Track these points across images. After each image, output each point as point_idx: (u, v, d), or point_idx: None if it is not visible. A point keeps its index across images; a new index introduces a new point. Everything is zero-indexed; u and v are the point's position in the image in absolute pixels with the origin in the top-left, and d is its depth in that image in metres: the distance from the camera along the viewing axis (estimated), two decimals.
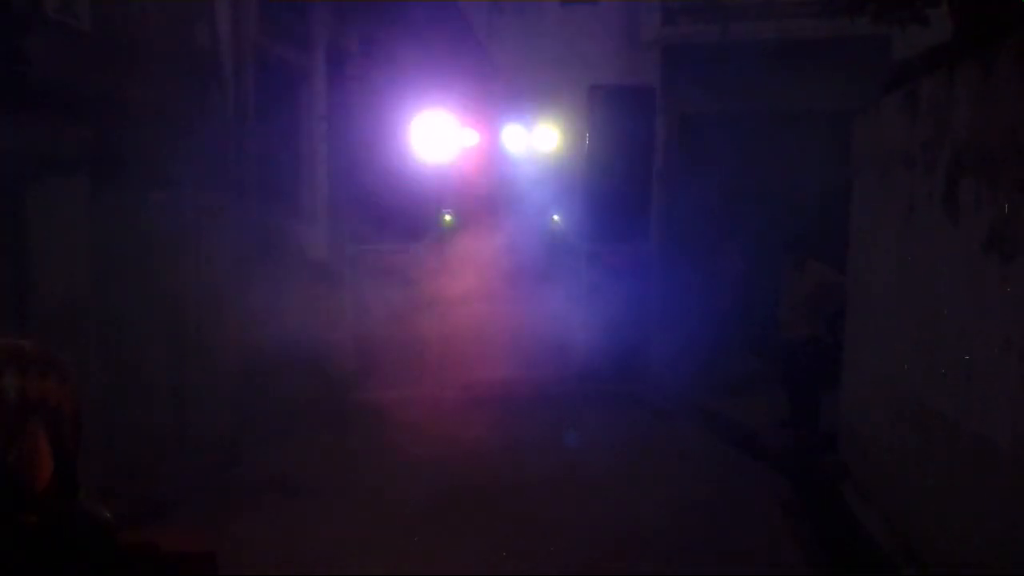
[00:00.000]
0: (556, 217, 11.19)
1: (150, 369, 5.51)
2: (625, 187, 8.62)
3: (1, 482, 1.58)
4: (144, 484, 5.17)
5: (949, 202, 3.78)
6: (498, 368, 8.16)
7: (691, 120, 11.71)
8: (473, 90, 9.79)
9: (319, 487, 5.84)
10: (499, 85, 11.08)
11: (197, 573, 2.20)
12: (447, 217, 10.17)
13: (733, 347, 9.02)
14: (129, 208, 5.20)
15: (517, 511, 5.38)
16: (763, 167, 10.43)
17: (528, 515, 5.29)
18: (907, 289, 4.38)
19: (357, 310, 8.18)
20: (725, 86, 11.10)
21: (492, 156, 9.21)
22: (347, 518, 5.26)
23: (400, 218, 8.88)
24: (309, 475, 6.05)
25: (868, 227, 5.28)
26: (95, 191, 4.80)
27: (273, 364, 7.02)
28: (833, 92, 10.39)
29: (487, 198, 10.09)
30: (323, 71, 8.54)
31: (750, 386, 8.24)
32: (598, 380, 8.48)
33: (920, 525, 4.09)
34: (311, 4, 8.19)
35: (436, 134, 8.96)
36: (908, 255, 4.37)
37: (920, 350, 4.13)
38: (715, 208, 10.00)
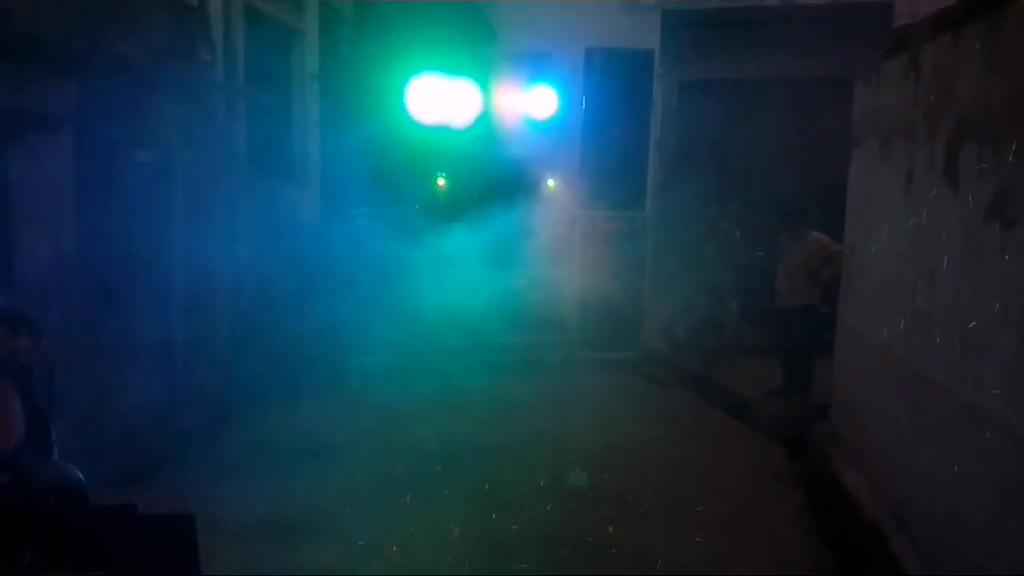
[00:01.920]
0: (552, 183, 11.09)
1: (137, 330, 5.46)
2: (621, 153, 8.51)
3: None
4: (131, 445, 5.16)
5: (950, 170, 3.72)
6: (492, 332, 8.13)
7: (690, 86, 11.55)
8: (469, 52, 9.63)
9: (310, 449, 5.84)
10: (495, 47, 10.91)
11: (176, 534, 2.17)
12: (441, 181, 10.07)
13: (729, 316, 9.00)
14: (115, 167, 5.10)
15: (506, 471, 5.39)
16: (762, 135, 10.31)
17: (515, 479, 5.31)
18: (904, 258, 4.33)
19: (349, 274, 8.12)
20: (725, 52, 10.93)
21: (488, 119, 9.08)
22: (338, 482, 5.27)
23: (393, 181, 8.78)
24: (300, 437, 6.05)
25: (866, 195, 5.22)
26: (80, 149, 4.70)
27: (265, 327, 6.99)
28: (835, 59, 10.24)
29: (482, 162, 9.98)
30: (315, 30, 8.38)
31: (745, 354, 8.23)
32: (594, 347, 8.47)
33: (910, 494, 4.09)
34: None
35: (431, 96, 8.83)
36: (906, 224, 4.32)
37: (915, 319, 4.10)
38: (712, 175, 9.91)
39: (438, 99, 8.80)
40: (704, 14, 11.05)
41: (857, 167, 5.49)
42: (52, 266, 4.56)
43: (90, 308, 4.93)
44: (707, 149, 10.08)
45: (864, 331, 5.08)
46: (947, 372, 3.68)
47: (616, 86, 8.44)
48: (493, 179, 9.73)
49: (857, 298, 5.34)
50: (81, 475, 1.68)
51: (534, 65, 9.10)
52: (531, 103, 9.00)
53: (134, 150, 5.30)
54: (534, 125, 8.94)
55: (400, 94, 8.77)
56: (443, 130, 8.96)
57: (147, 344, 5.61)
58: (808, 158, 10.23)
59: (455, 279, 8.41)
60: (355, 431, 6.24)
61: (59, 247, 4.60)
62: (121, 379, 5.23)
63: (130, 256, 5.33)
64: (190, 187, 5.92)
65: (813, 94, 10.55)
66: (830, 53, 10.36)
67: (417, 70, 8.72)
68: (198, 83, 6.08)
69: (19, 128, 4.34)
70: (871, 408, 4.82)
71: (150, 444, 5.36)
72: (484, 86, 9.01)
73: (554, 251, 8.86)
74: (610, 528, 4.59)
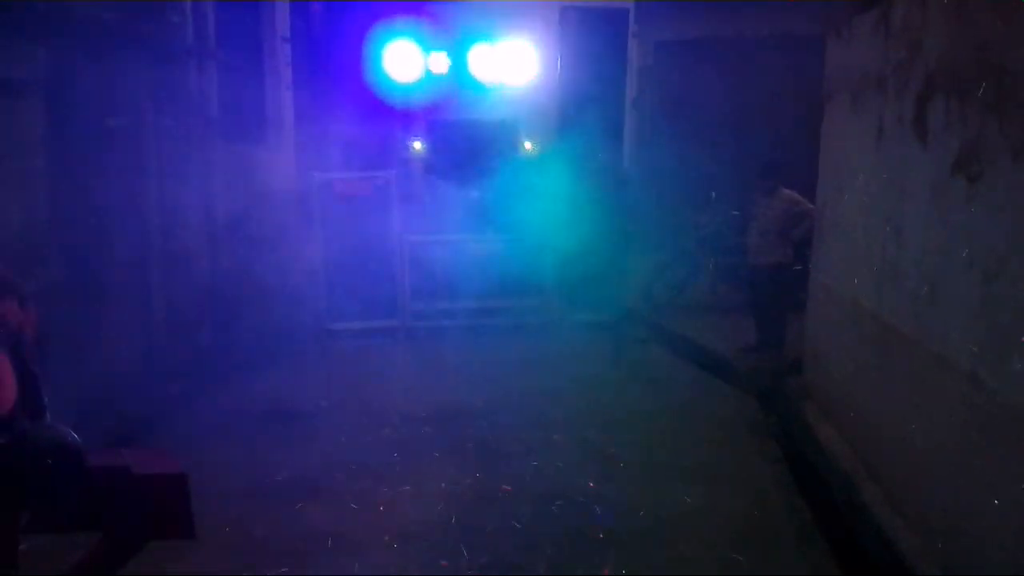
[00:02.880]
0: (528, 144, 11.07)
1: (113, 294, 5.43)
2: (598, 113, 8.50)
3: None
4: (119, 408, 5.17)
5: (918, 124, 3.78)
6: (473, 296, 8.18)
7: (665, 46, 11.52)
8: (443, 13, 9.51)
9: (295, 411, 5.90)
10: (470, 7, 10.78)
11: (168, 494, 2.22)
12: (416, 144, 10.01)
13: (705, 273, 9.11)
14: (86, 131, 5.03)
15: (491, 432, 5.49)
16: (737, 93, 10.34)
17: (500, 439, 5.40)
18: (874, 211, 4.42)
19: (326, 238, 8.11)
20: (700, 11, 10.88)
21: (462, 80, 9.01)
22: (327, 440, 5.34)
23: (367, 145, 8.72)
24: (283, 400, 6.10)
25: (838, 151, 5.29)
26: (50, 114, 4.63)
27: (244, 291, 6.98)
28: (810, 15, 10.24)
29: (457, 124, 9.93)
30: None
31: (721, 312, 8.36)
32: (574, 309, 8.55)
33: (879, 444, 4.23)
34: None
35: (405, 60, 8.73)
36: (877, 178, 4.39)
37: (884, 271, 4.20)
38: (689, 134, 9.94)
39: (410, 61, 8.71)
40: None
41: (828, 122, 5.55)
42: (25, 231, 4.52)
43: (64, 273, 4.90)
44: (684, 108, 10.10)
45: (835, 285, 5.18)
46: (914, 323, 3.78)
47: (592, 45, 8.40)
48: (471, 143, 9.70)
49: (829, 253, 5.43)
50: (76, 437, 1.72)
51: (510, 25, 9.01)
52: (507, 64, 8.92)
53: (105, 113, 5.23)
54: (510, 86, 8.88)
55: (371, 56, 8.67)
56: (417, 91, 8.88)
57: (123, 309, 5.60)
58: (783, 115, 10.28)
59: (435, 243, 8.42)
60: (335, 394, 6.30)
61: (32, 211, 4.55)
62: (97, 344, 5.21)
63: (104, 220, 5.29)
64: (163, 150, 5.86)
65: (788, 51, 10.56)
66: (807, 10, 10.36)
67: (392, 33, 8.61)
68: (168, 46, 5.99)
69: None
70: (841, 361, 4.94)
71: (129, 409, 5.37)
72: (458, 47, 8.91)
73: (530, 213, 8.87)
74: (591, 484, 4.69)
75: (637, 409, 6.03)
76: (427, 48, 8.81)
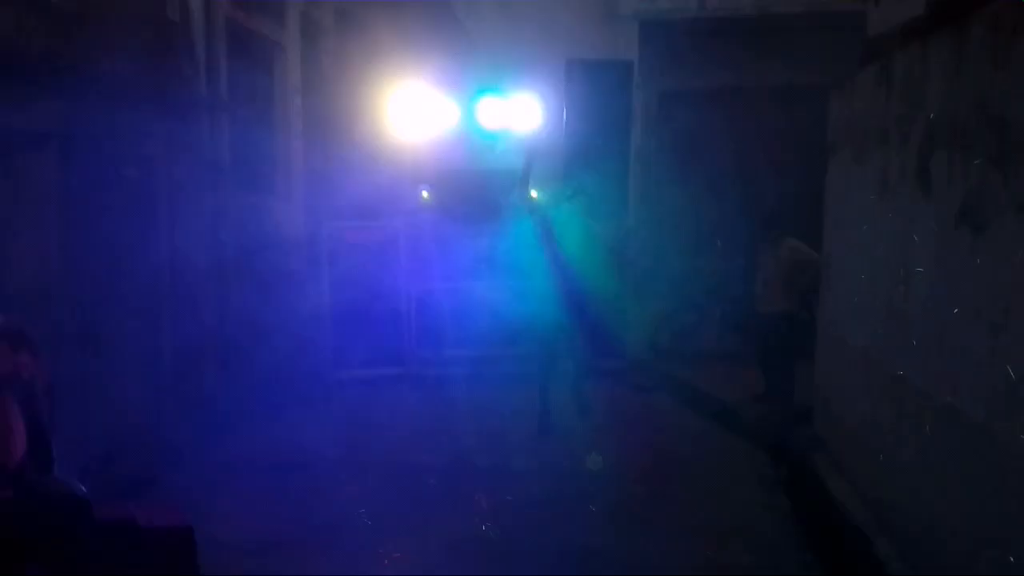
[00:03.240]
0: (534, 193, 11.15)
1: (127, 343, 5.45)
2: (603, 163, 8.59)
3: None
4: (126, 459, 5.14)
5: (922, 176, 3.82)
6: (476, 345, 8.17)
7: (669, 96, 11.67)
8: (450, 65, 9.70)
9: (302, 461, 5.85)
10: (476, 60, 10.99)
11: (175, 547, 2.21)
12: (424, 193, 10.11)
13: (711, 322, 9.10)
14: (101, 182, 5.11)
15: (498, 484, 5.43)
16: (740, 143, 10.45)
17: (509, 492, 5.34)
18: (881, 263, 4.43)
19: (334, 285, 8.15)
20: (703, 62, 11.06)
21: (469, 131, 9.14)
22: (333, 492, 5.28)
23: (377, 194, 8.82)
24: (290, 449, 6.06)
25: (842, 202, 5.33)
26: (65, 165, 4.72)
27: (252, 338, 7.00)
28: (811, 67, 10.40)
29: (464, 174, 10.04)
30: (297, 45, 8.42)
31: (728, 361, 8.33)
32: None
33: (892, 497, 4.17)
34: None
35: (413, 109, 8.87)
36: (882, 229, 4.42)
37: (892, 322, 4.19)
38: (692, 185, 10.03)
39: (419, 112, 8.84)
40: (681, 24, 11.19)
41: (833, 174, 5.60)
42: (38, 281, 4.56)
43: (77, 322, 4.93)
44: (688, 158, 10.20)
45: (843, 335, 5.17)
46: (924, 375, 3.76)
47: (597, 97, 8.52)
48: (477, 191, 9.79)
49: (836, 303, 5.43)
50: (84, 490, 1.71)
51: (516, 77, 9.18)
52: (513, 115, 9.06)
53: (119, 165, 5.32)
54: (516, 136, 9.01)
55: (381, 107, 8.81)
56: (426, 142, 9.00)
57: (132, 357, 5.61)
58: (787, 164, 10.37)
59: (442, 291, 8.45)
60: (341, 443, 6.26)
61: (45, 262, 4.60)
62: (108, 393, 5.21)
63: (117, 270, 5.33)
64: (175, 201, 5.94)
65: (790, 101, 10.70)
66: (806, 60, 10.53)
67: (399, 83, 8.76)
68: (181, 98, 6.11)
69: (6, 145, 4.35)
70: (852, 411, 4.90)
71: (135, 458, 5.34)
72: (466, 99, 9.06)
73: (539, 259, 8.91)
74: (597, 538, 4.62)
75: (643, 460, 5.96)
76: (436, 99, 8.95)
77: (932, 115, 3.73)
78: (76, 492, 1.70)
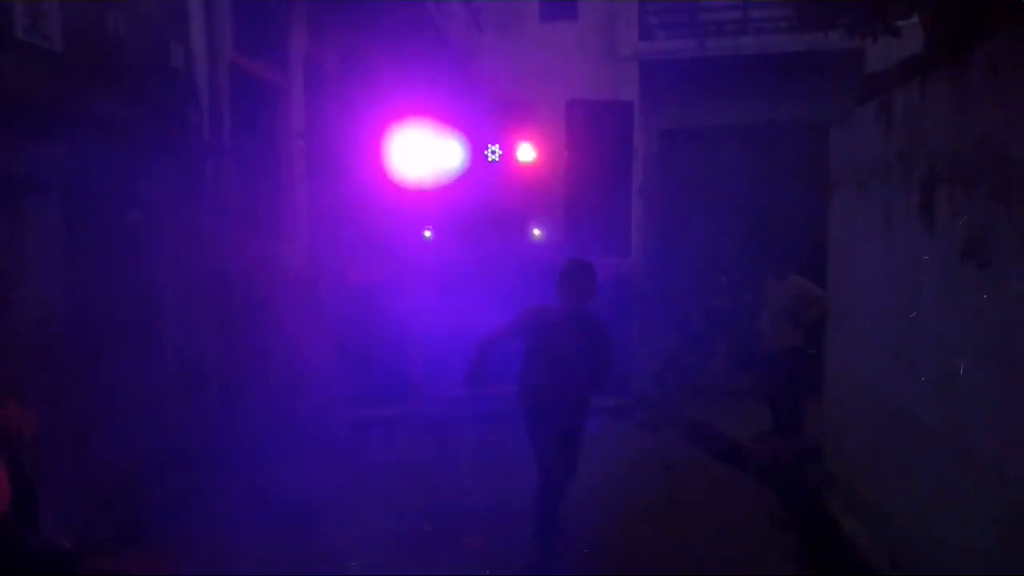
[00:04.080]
0: (537, 232, 11.19)
1: (127, 390, 5.41)
2: (605, 202, 8.62)
3: None
4: (118, 508, 5.07)
5: (925, 212, 3.80)
6: (484, 382, 8.08)
7: (669, 135, 11.78)
8: (453, 107, 9.80)
9: (300, 505, 5.75)
10: (479, 102, 11.10)
11: None
12: (427, 234, 10.15)
13: (718, 358, 9.04)
14: (104, 228, 5.12)
15: (499, 527, 5.33)
16: (742, 181, 10.50)
17: (510, 535, 5.24)
18: (887, 299, 4.39)
19: (337, 324, 8.12)
20: (703, 101, 11.20)
21: (472, 172, 9.20)
22: (334, 539, 5.19)
23: (381, 236, 8.84)
24: (289, 493, 5.96)
25: (847, 238, 5.31)
26: (69, 210, 4.73)
27: (254, 379, 6.94)
28: (810, 105, 10.50)
29: (467, 214, 10.08)
30: (300, 88, 8.50)
31: (735, 398, 8.25)
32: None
33: (906, 538, 4.08)
34: (287, 21, 8.17)
35: (416, 152, 8.94)
36: (887, 265, 4.39)
37: (902, 358, 4.14)
38: (695, 220, 10.06)
39: (422, 154, 8.91)
40: (681, 64, 11.34)
41: (835, 210, 5.58)
42: (41, 328, 4.54)
43: (79, 370, 4.89)
44: (689, 195, 10.26)
45: (852, 372, 5.11)
46: (936, 413, 3.70)
47: (598, 136, 8.59)
48: (477, 229, 9.82)
49: (844, 339, 5.38)
50: (68, 544, 1.67)
51: (518, 118, 9.27)
52: (515, 155, 9.13)
53: (123, 210, 5.33)
54: (518, 176, 9.06)
55: (385, 149, 8.88)
56: (429, 184, 9.05)
57: (136, 406, 5.56)
58: (788, 201, 10.41)
59: (444, 331, 8.41)
60: (344, 487, 6.17)
61: (48, 309, 4.59)
62: (109, 443, 5.16)
63: (120, 317, 5.31)
64: (179, 246, 5.94)
65: (792, 138, 10.78)
66: (806, 98, 10.64)
67: (401, 125, 8.84)
68: (185, 143, 6.15)
69: (7, 191, 4.37)
70: (863, 450, 4.82)
71: (140, 506, 5.26)
72: (469, 140, 9.13)
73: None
74: None
75: (650, 499, 5.86)
76: (439, 141, 9.02)
77: (934, 151, 3.72)
78: (61, 546, 1.66)
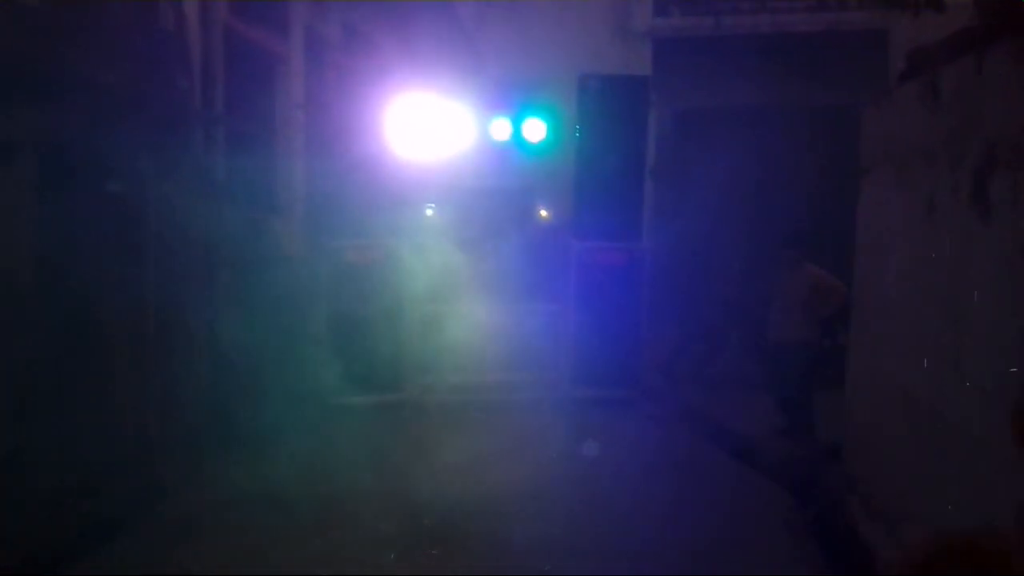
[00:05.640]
0: (544, 213, 10.85)
1: (106, 372, 5.11)
2: (616, 182, 8.24)
3: None
4: (96, 501, 4.78)
5: (979, 199, 3.45)
6: (484, 371, 7.82)
7: (684, 115, 11.41)
8: (459, 81, 9.42)
9: (293, 497, 5.45)
10: (486, 76, 10.72)
11: None
12: (430, 211, 9.81)
13: (729, 349, 8.73)
14: (83, 199, 4.78)
15: (506, 530, 5.04)
16: (757, 163, 10.13)
17: (519, 539, 4.95)
18: (926, 292, 4.06)
19: (333, 306, 7.81)
20: (719, 80, 10.81)
21: (478, 148, 8.84)
22: (328, 535, 4.90)
23: (382, 212, 8.49)
24: (282, 485, 5.66)
25: (878, 227, 4.96)
26: (43, 179, 4.39)
27: (247, 362, 6.64)
28: (828, 86, 10.13)
29: (472, 191, 9.74)
30: (301, 58, 8.14)
31: (747, 390, 7.93)
32: (590, 384, 8.12)
33: (935, 547, 3.78)
34: None
35: (420, 126, 8.57)
36: (928, 256, 4.05)
37: (941, 357, 3.81)
38: (709, 205, 9.71)
39: (427, 128, 8.54)
40: (697, 42, 10.94)
41: (867, 197, 5.23)
42: (9, 303, 4.22)
43: (55, 347, 4.59)
44: (704, 178, 9.88)
45: (881, 370, 4.78)
46: (980, 422, 3.38)
47: (611, 113, 8.19)
48: (486, 210, 9.50)
49: (871, 335, 5.05)
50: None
51: (527, 93, 8.88)
52: (524, 131, 8.75)
53: (101, 180, 4.99)
54: (527, 151, 8.68)
55: (388, 123, 8.50)
56: (432, 159, 8.70)
57: (116, 387, 5.26)
58: (805, 186, 10.06)
59: (444, 315, 8.10)
60: (337, 479, 5.87)
61: (17, 283, 4.26)
62: (87, 425, 4.86)
63: (98, 293, 4.99)
64: (164, 219, 5.60)
65: (809, 121, 10.42)
66: (825, 79, 10.25)
67: (405, 99, 8.46)
68: (174, 111, 5.80)
69: None
70: (891, 453, 4.51)
71: (118, 496, 4.98)
72: (476, 114, 8.76)
73: (547, 283, 8.60)
74: None
75: (658, 501, 5.55)
76: (443, 116, 8.64)
77: (991, 133, 3.37)
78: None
